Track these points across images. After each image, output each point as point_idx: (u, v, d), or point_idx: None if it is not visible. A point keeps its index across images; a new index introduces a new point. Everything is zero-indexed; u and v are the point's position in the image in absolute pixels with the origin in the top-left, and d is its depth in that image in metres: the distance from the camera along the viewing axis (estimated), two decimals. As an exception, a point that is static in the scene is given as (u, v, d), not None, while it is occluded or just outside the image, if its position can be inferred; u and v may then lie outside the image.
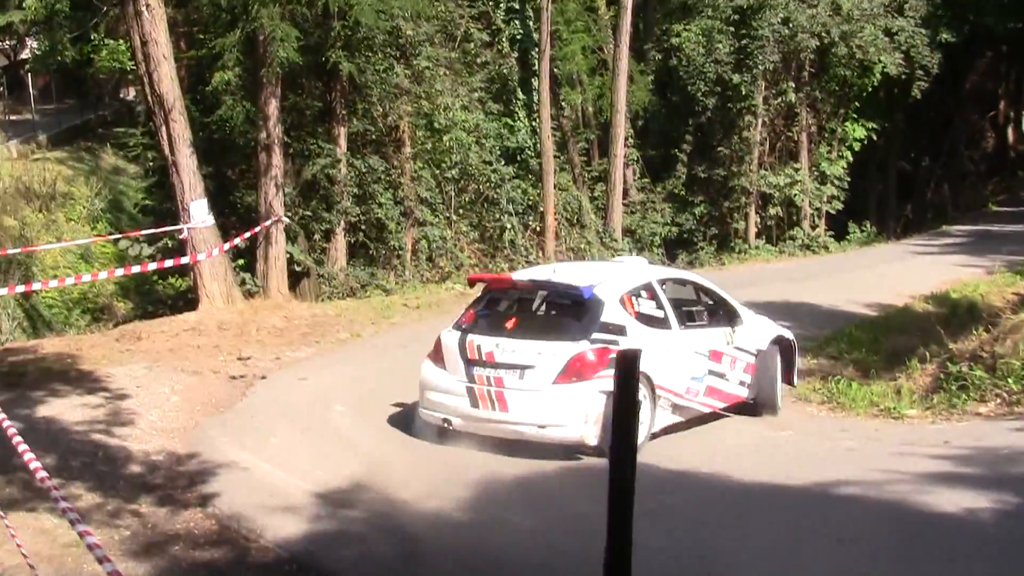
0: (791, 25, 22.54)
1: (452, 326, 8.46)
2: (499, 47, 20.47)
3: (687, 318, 8.97)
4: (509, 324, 8.39)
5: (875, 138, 26.13)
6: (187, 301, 14.30)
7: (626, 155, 21.98)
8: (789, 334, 9.85)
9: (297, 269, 15.41)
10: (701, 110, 22.97)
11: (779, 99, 23.44)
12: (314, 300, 15.19)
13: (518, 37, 21.02)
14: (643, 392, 7.81)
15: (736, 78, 22.43)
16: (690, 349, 8.64)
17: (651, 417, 8.09)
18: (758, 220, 23.45)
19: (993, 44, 34.66)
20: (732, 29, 22.66)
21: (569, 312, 8.32)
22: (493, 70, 20.16)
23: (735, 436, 8.73)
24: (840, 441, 8.42)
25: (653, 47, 24.20)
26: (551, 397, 7.69)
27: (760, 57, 22.34)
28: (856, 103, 25.17)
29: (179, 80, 13.56)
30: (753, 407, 9.30)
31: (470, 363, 8.02)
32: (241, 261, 14.89)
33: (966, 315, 13.08)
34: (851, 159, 24.95)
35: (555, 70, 21.16)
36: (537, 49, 20.23)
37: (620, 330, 8.03)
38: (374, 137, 17.02)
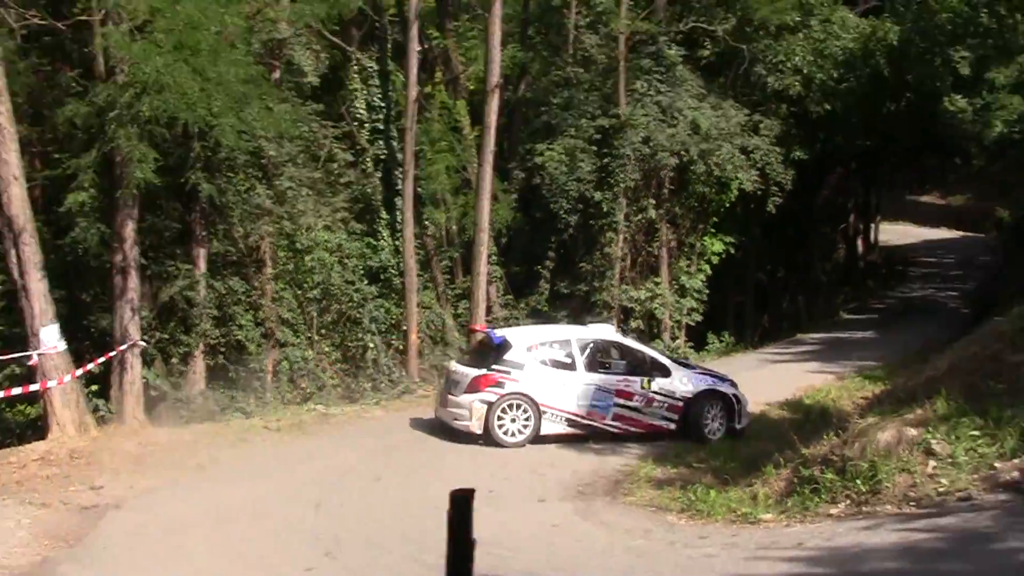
0: (651, 144, 24.53)
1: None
2: (363, 167, 21.73)
3: (599, 366, 15.38)
4: (468, 357, 16.11)
5: (733, 251, 28.50)
6: (36, 429, 14.46)
7: (489, 272, 23.28)
8: (728, 389, 15.57)
9: (153, 394, 15.79)
10: (564, 227, 24.66)
11: (640, 215, 25.34)
12: (172, 425, 15.59)
13: (382, 157, 22.29)
14: (528, 408, 14.71)
15: (598, 196, 24.23)
16: (592, 386, 14.99)
17: (536, 425, 14.76)
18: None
19: (843, 161, 38.67)
20: (594, 148, 24.55)
21: (491, 351, 15.22)
22: (357, 190, 21.37)
23: (587, 543, 9.83)
24: (699, 548, 9.23)
25: (517, 166, 26.00)
26: (460, 401, 14.73)
27: (621, 175, 24.20)
28: (714, 218, 27.46)
29: (31, 201, 13.99)
30: (678, 434, 15.13)
31: (446, 379, 15.63)
32: (95, 387, 15.19)
33: (818, 420, 14.59)
34: (710, 272, 27.13)
35: (419, 189, 22.51)
36: (401, 169, 21.45)
37: (517, 365, 14.85)
38: (235, 258, 17.78)
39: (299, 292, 18.56)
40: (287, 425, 15.74)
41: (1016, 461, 9.26)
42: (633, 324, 24.97)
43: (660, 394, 15.27)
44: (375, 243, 21.73)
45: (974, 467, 9.24)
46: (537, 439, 14.82)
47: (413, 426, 16.11)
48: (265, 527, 10.27)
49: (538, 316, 24.71)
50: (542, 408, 14.80)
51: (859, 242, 45.10)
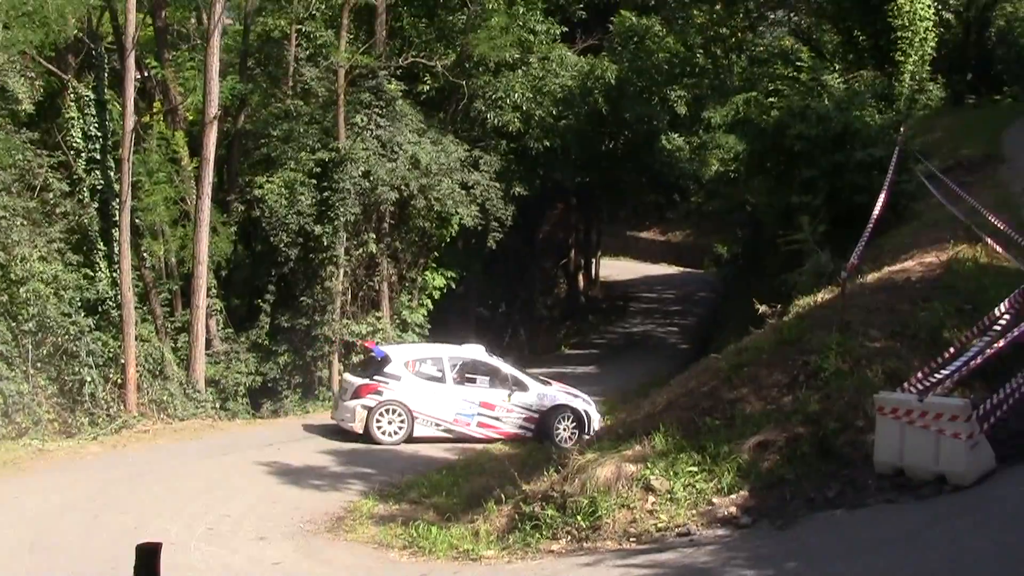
0: (372, 178, 27.09)
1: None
2: (80, 197, 23.33)
3: (466, 380, 20.63)
4: (358, 368, 21.52)
5: (455, 286, 31.56)
6: None
7: (209, 306, 25.18)
8: (580, 405, 20.73)
9: None
10: (284, 260, 26.85)
11: (361, 249, 27.97)
12: None
13: (99, 187, 23.68)
14: (403, 413, 19.76)
15: (318, 229, 26.55)
16: (459, 397, 20.23)
17: (409, 427, 19.81)
18: (341, 368, 27.24)
19: (564, 197, 42.76)
20: (314, 181, 26.93)
21: (374, 364, 20.47)
22: (73, 220, 22.96)
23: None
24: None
25: (236, 198, 28.01)
26: (348, 405, 19.76)
27: (342, 209, 26.60)
28: (436, 253, 30.59)
29: None
30: (534, 439, 19.78)
31: (340, 386, 21.82)
32: None
33: (540, 456, 16.01)
34: (431, 307, 30.18)
35: (137, 220, 24.08)
36: (118, 199, 22.99)
37: (395, 377, 19.97)
38: (-56, 289, 19.18)
39: (13, 324, 20.05)
40: (0, 462, 16.95)
41: (733, 496, 10.01)
42: (355, 359, 27.57)
43: (518, 406, 20.55)
44: (92, 275, 23.15)
45: (692, 502, 10.07)
46: (411, 439, 19.74)
47: (133, 462, 17.49)
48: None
49: (258, 350, 27.12)
50: (415, 414, 19.95)
51: (580, 277, 49.13)
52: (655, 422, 11.88)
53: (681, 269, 60.63)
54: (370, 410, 19.78)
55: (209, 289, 25.05)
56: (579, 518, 10.51)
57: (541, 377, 22.66)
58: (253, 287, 28.11)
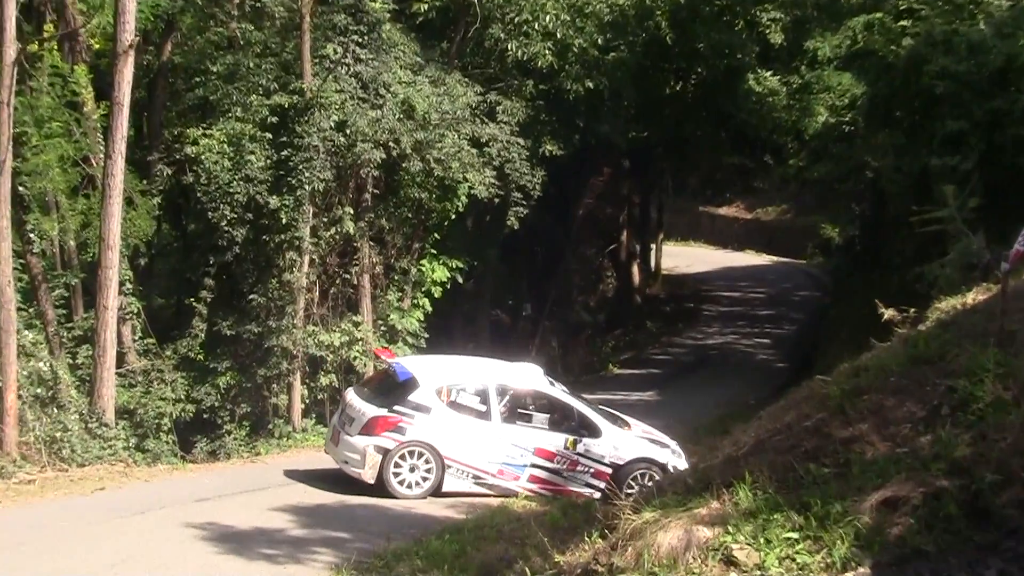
0: (348, 132, 27.22)
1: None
2: None
3: (518, 417, 20.49)
4: (367, 388, 21.19)
5: (461, 281, 31.86)
6: None
7: (122, 307, 25.09)
8: (668, 458, 20.14)
9: None
10: (227, 244, 26.86)
11: (333, 230, 28.13)
12: None
13: None
14: (431, 459, 19.55)
15: (274, 201, 26.63)
16: (508, 440, 19.96)
17: (438, 478, 19.60)
18: (306, 393, 27.65)
19: (612, 160, 43.21)
20: (269, 136, 27.02)
21: (393, 387, 20.11)
22: None
23: None
24: None
25: (161, 158, 28.06)
26: (354, 443, 19.45)
27: (307, 174, 26.68)
28: (436, 235, 30.80)
29: None
30: None
31: (341, 411, 20.54)
32: None
33: (579, 515, 15.54)
34: (430, 308, 30.40)
35: (21, 188, 24.00)
36: None
37: (424, 409, 19.67)
38: None
39: None
40: None
41: (849, 575, 9.59)
42: (325, 380, 27.75)
43: (586, 457, 20.26)
44: (-42, 264, 23.43)
45: None
46: (437, 493, 19.60)
47: (9, 526, 17.21)
48: None
49: (190, 368, 27.10)
50: (446, 461, 19.76)
51: (635, 269, 49.56)
52: (739, 470, 11.47)
53: (774, 259, 61.42)
54: (387, 453, 19.63)
55: (122, 284, 25.03)
56: (633, 602, 9.85)
57: (614, 413, 22.54)
58: (183, 281, 28.24)
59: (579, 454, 20.32)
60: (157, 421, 25.99)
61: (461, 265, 31.70)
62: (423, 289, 30.69)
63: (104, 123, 25.38)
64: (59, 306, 26.40)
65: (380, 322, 29.27)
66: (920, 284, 19.15)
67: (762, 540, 10.23)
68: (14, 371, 22.14)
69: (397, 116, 28.12)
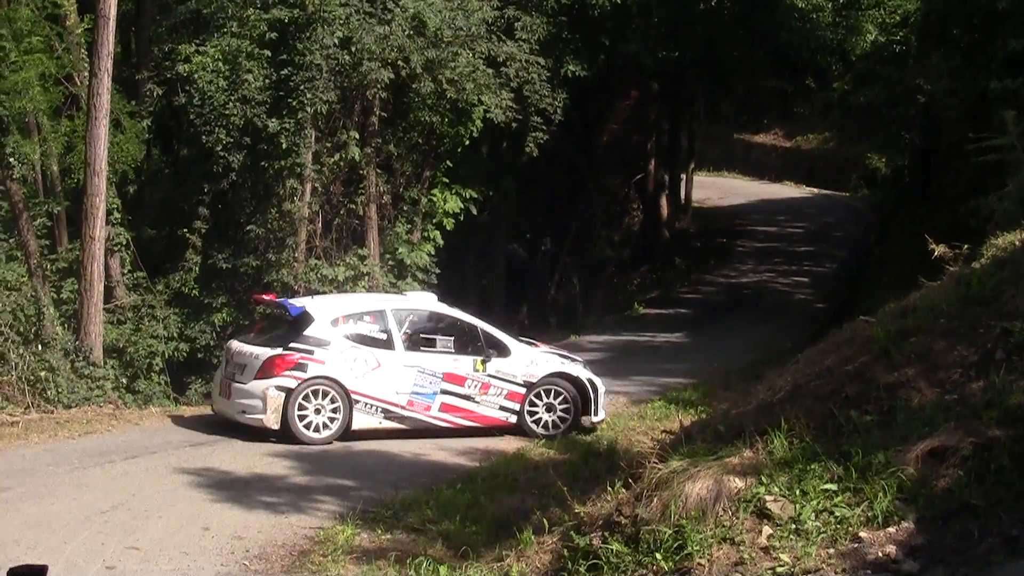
0: (354, 49, 27.12)
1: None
2: None
3: (421, 343, 20.49)
4: (254, 333, 20.98)
5: (476, 212, 31.92)
6: None
7: (110, 238, 25.26)
8: (582, 372, 20.75)
9: None
10: (223, 171, 26.99)
11: (337, 156, 28.08)
12: None
13: None
14: (336, 396, 19.39)
15: (274, 124, 26.61)
16: (414, 369, 19.92)
17: (346, 417, 19.50)
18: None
19: (639, 81, 43.04)
20: (268, 54, 26.98)
21: (287, 326, 20.07)
22: None
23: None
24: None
25: (151, 77, 28.10)
26: (250, 388, 19.24)
27: (309, 95, 26.62)
28: (448, 163, 30.85)
29: None
30: (519, 428, 20.51)
31: (227, 362, 20.34)
32: None
33: (601, 464, 16.19)
34: (442, 242, 30.48)
35: None
36: None
37: (321, 343, 19.52)
38: None
39: None
40: None
41: (891, 530, 9.85)
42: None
43: (498, 377, 20.51)
44: (-66, 190, 23.53)
45: (829, 537, 9.91)
46: (347, 434, 19.52)
47: (2, 471, 17.39)
48: None
49: (184, 304, 27.11)
50: (353, 396, 19.62)
51: (663, 201, 49.39)
52: (774, 416, 11.68)
53: (815, 191, 61.33)
54: (289, 393, 19.37)
55: (110, 213, 25.18)
56: (659, 556, 10.35)
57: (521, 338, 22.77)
58: (176, 211, 28.27)
59: (490, 375, 20.51)
60: (148, 360, 26.15)
61: (475, 195, 31.72)
62: (434, 221, 30.70)
63: (88, 38, 25.34)
64: (41, 236, 26.49)
65: (387, 256, 29.22)
66: (974, 219, 19.09)
67: (798, 492, 10.40)
68: (-7, 306, 22.28)
69: (407, 32, 27.90)
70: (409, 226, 30.04)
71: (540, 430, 20.41)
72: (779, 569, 9.78)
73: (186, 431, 20.86)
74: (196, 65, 26.79)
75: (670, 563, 10.21)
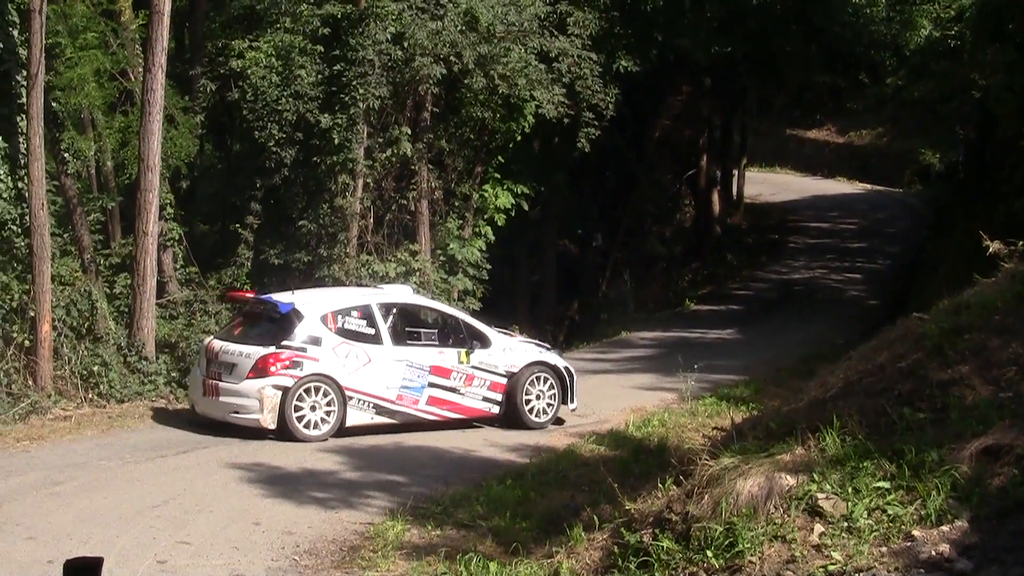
0: (406, 45, 27.20)
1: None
2: None
3: (409, 337, 20.80)
4: (237, 331, 20.65)
5: (527, 207, 32.07)
6: None
7: (163, 233, 25.33)
8: (558, 360, 21.37)
9: None
10: (275, 166, 27.12)
11: (389, 151, 28.07)
12: None
13: None
14: (331, 393, 19.41)
15: (326, 120, 26.71)
16: (403, 363, 20.07)
17: (340, 413, 19.53)
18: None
19: (691, 76, 42.91)
20: (320, 49, 27.08)
21: (274, 324, 19.99)
22: None
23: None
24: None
25: (205, 73, 28.24)
26: (242, 388, 19.14)
27: (361, 91, 26.71)
28: (500, 158, 30.94)
29: None
30: (502, 420, 20.88)
31: (208, 362, 20.05)
32: None
33: (651, 461, 16.22)
34: (493, 238, 30.55)
35: (54, 104, 24.07)
36: (25, 72, 22.53)
37: (314, 340, 19.56)
38: None
39: None
40: None
41: (945, 528, 9.76)
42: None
43: (481, 369, 20.85)
44: (-14, 184, 23.53)
45: (882, 535, 9.88)
46: (341, 430, 19.64)
47: (45, 464, 17.64)
48: None
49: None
50: (347, 393, 19.72)
51: (715, 197, 49.26)
52: (826, 414, 11.66)
53: (868, 187, 61.10)
54: (286, 392, 19.37)
55: (163, 208, 25.23)
56: (709, 553, 10.36)
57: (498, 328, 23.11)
58: (228, 206, 28.39)
59: (474, 367, 20.85)
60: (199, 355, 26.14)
61: (527, 191, 31.74)
62: (485, 216, 30.76)
63: (143, 34, 25.44)
64: (95, 231, 26.58)
65: (439, 251, 29.32)
66: (1031, 215, 18.91)
67: (850, 489, 10.39)
68: (48, 300, 22.26)
69: (459, 28, 27.95)
70: (460, 222, 30.13)
71: (535, 419, 20.89)
72: (831, 567, 9.74)
73: (237, 427, 20.94)
74: (249, 61, 26.95)
75: (721, 560, 10.22)
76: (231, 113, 28.21)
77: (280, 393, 19.17)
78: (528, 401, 20.98)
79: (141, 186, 23.93)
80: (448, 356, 20.74)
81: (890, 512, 10.14)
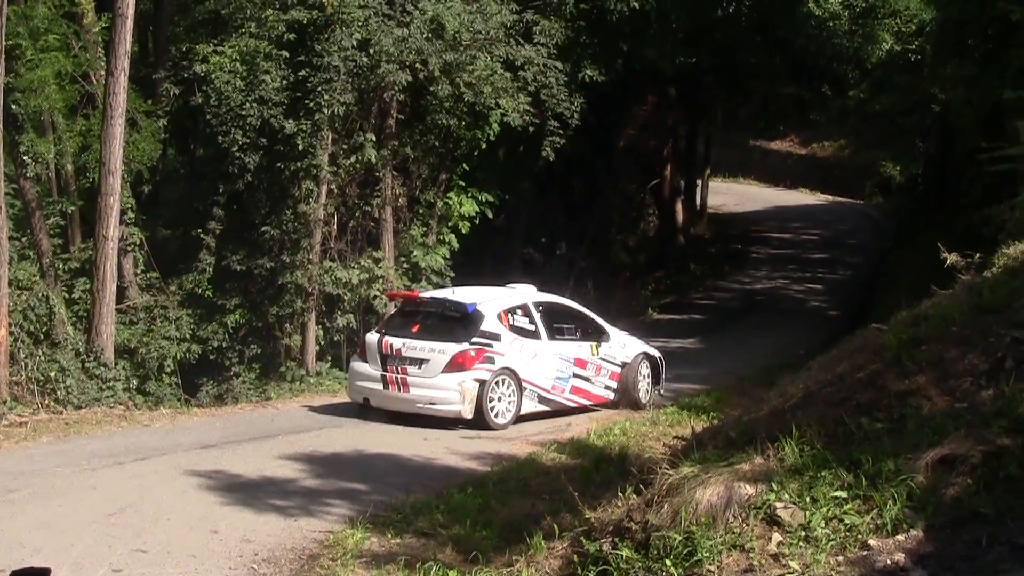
0: (372, 52, 27.19)
1: (374, 330, 22.33)
2: None
3: (557, 332, 22.26)
4: (414, 329, 21.62)
5: (491, 216, 31.97)
6: None
7: (123, 238, 25.29)
8: (654, 351, 23.85)
9: None
10: (239, 171, 26.97)
11: (353, 158, 28.12)
12: None
13: None
14: (512, 385, 21.02)
15: (290, 126, 26.62)
16: (557, 356, 21.89)
17: (518, 403, 21.17)
18: (321, 334, 27.71)
19: (657, 86, 42.94)
20: (285, 55, 26.96)
21: (457, 322, 21.43)
22: None
23: None
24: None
25: (168, 77, 28.17)
26: (440, 382, 20.50)
27: (326, 96, 26.67)
28: (465, 166, 30.93)
29: None
30: (615, 403, 22.72)
31: (384, 357, 21.08)
32: None
33: (612, 469, 15.87)
34: (457, 245, 30.47)
35: (14, 106, 24.12)
36: None
37: (495, 336, 21.10)
38: None
39: None
40: None
41: (900, 538, 9.78)
42: (342, 320, 27.74)
43: (605, 360, 22.96)
44: (-59, 188, 23.52)
45: (839, 544, 9.89)
46: (517, 417, 21.32)
47: (2, 472, 17.28)
48: None
49: (197, 305, 27.08)
50: (524, 384, 21.49)
51: (679, 207, 49.41)
52: (785, 423, 11.62)
53: (830, 198, 61.40)
54: (483, 384, 20.88)
55: (124, 213, 25.20)
56: (669, 562, 10.27)
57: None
58: (191, 211, 28.24)
59: (602, 358, 22.92)
60: (160, 362, 26.17)
61: (491, 199, 31.77)
62: (450, 224, 30.74)
63: (106, 36, 25.50)
64: (55, 235, 26.67)
65: (402, 259, 29.29)
66: (987, 228, 19.04)
67: (808, 499, 10.34)
68: (5, 305, 22.14)
69: (425, 35, 27.97)
70: (424, 229, 30.14)
71: (643, 401, 23.03)
72: (787, 575, 9.78)
73: (196, 433, 20.81)
74: (213, 65, 26.80)
75: (680, 569, 10.19)
76: (195, 117, 28.15)
77: (478, 385, 20.74)
78: (637, 387, 23.09)
79: (102, 190, 23.95)
80: (584, 349, 22.67)
81: (847, 521, 10.14)
